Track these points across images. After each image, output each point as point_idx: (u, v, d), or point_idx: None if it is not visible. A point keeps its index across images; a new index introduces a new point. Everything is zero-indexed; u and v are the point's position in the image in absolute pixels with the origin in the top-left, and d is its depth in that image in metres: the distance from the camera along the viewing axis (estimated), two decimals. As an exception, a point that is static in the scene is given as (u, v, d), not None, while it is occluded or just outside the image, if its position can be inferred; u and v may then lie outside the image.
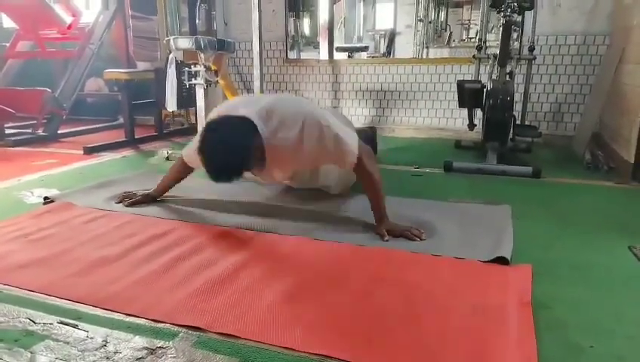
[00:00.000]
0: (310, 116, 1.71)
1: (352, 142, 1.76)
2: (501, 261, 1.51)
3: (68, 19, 4.30)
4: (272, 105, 1.73)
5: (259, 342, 1.10)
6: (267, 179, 2.04)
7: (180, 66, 3.26)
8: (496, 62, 3.01)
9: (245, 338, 1.11)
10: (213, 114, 1.78)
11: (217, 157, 1.57)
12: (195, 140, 1.84)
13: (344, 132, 1.76)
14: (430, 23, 6.27)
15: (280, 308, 1.25)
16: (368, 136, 3.11)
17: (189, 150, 1.94)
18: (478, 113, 3.27)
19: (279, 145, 1.67)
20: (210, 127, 1.62)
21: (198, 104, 3.14)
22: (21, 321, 1.19)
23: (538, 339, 1.10)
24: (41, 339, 1.11)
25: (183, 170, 2.07)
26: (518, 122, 3.26)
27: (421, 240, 1.70)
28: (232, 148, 1.55)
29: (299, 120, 1.69)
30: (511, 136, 3.04)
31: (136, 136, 3.76)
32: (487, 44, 3.40)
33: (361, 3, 6.94)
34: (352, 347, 1.08)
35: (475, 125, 3.34)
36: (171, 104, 3.32)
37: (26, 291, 1.34)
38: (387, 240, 1.69)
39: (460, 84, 3.16)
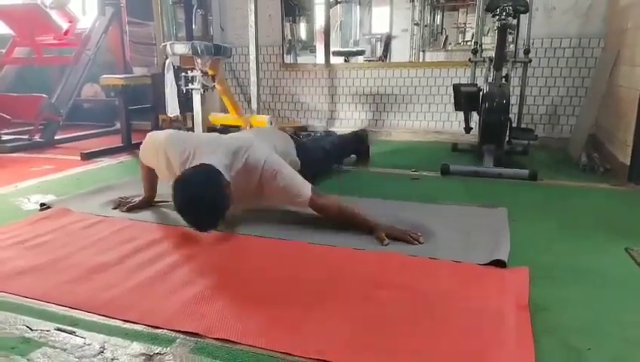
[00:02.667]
0: (268, 162, 1.84)
1: (304, 186, 1.85)
2: (498, 264, 1.51)
3: (64, 25, 4.30)
4: (233, 149, 1.84)
5: (257, 347, 1.09)
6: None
7: (177, 72, 3.26)
8: (491, 66, 3.02)
9: (243, 344, 1.11)
10: (173, 149, 1.89)
11: (196, 216, 1.68)
12: (149, 143, 2.03)
13: (297, 179, 1.87)
14: (426, 26, 6.28)
15: (278, 313, 1.25)
16: (359, 137, 3.13)
17: (145, 153, 2.06)
18: (475, 116, 3.28)
19: (241, 188, 1.80)
20: (181, 187, 1.67)
21: (195, 109, 3.15)
22: (18, 328, 1.18)
23: (535, 342, 1.10)
24: (39, 346, 1.11)
25: (150, 170, 2.11)
26: (514, 125, 3.27)
27: (419, 243, 1.70)
28: (208, 204, 1.66)
29: (259, 166, 1.82)
30: (507, 138, 3.05)
31: (133, 142, 3.75)
32: (483, 47, 3.41)
33: (357, 7, 6.95)
34: (351, 351, 1.08)
35: (472, 128, 3.35)
36: (172, 109, 3.32)
37: (23, 298, 1.34)
38: (387, 244, 1.70)
39: (456, 88, 3.17)
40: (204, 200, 1.64)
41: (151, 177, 2.14)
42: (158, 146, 1.95)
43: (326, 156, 2.72)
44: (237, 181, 1.78)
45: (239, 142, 1.91)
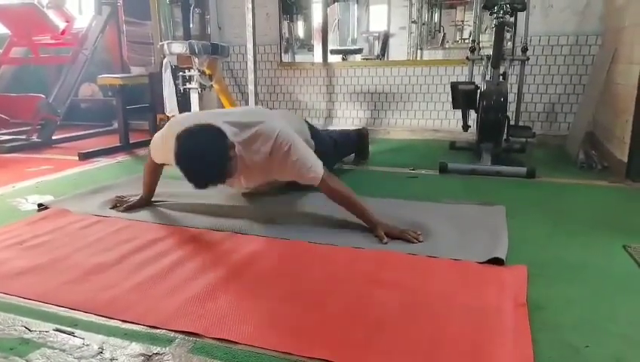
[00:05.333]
0: (282, 133, 1.79)
1: (317, 163, 1.83)
2: (496, 262, 1.52)
3: (61, 24, 4.29)
4: (245, 118, 1.80)
5: (256, 346, 1.09)
6: (233, 185, 2.05)
7: (174, 71, 3.26)
8: (489, 64, 3.02)
9: (242, 344, 1.11)
10: (178, 125, 1.79)
11: (195, 168, 1.61)
12: (159, 140, 1.94)
13: (310, 155, 1.85)
14: (424, 24, 6.28)
15: (277, 312, 1.25)
16: (361, 136, 3.12)
17: (155, 149, 2.00)
18: (473, 114, 3.28)
19: (250, 157, 1.75)
20: (184, 138, 1.61)
21: (192, 108, 3.14)
22: (17, 329, 1.18)
23: (534, 340, 1.10)
24: (37, 347, 1.11)
25: (156, 168, 2.09)
26: (512, 123, 3.27)
27: (418, 242, 1.70)
28: (209, 157, 1.60)
29: (272, 136, 1.76)
30: (505, 136, 3.05)
31: (130, 141, 3.75)
32: (481, 45, 3.41)
33: (355, 5, 6.94)
34: (350, 350, 1.08)
35: (470, 126, 3.35)
36: (170, 108, 3.32)
37: (21, 299, 1.33)
38: (386, 243, 1.70)
39: (454, 86, 3.17)
40: (205, 152, 1.59)
41: (154, 177, 2.13)
42: (166, 133, 1.87)
43: (335, 147, 2.68)
44: (244, 150, 1.73)
45: (252, 114, 1.88)
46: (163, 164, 2.06)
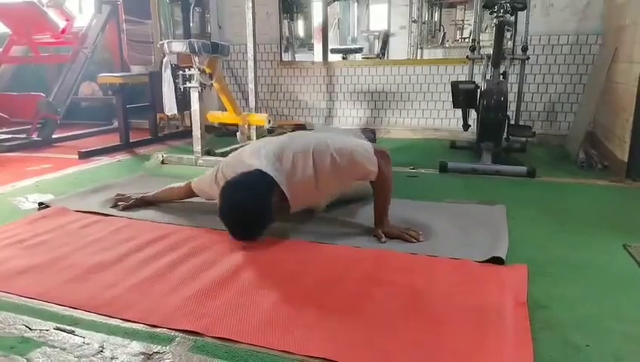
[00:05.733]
0: (317, 147, 1.71)
1: (367, 154, 1.73)
2: (497, 261, 1.52)
3: (61, 23, 4.29)
4: (280, 148, 1.74)
5: (256, 345, 1.10)
6: (298, 209, 1.94)
7: (174, 70, 3.26)
8: (489, 63, 3.03)
9: (242, 342, 1.11)
10: (226, 170, 1.82)
11: (239, 224, 1.64)
12: (208, 175, 1.93)
13: (355, 147, 1.74)
14: (424, 23, 6.28)
15: (277, 311, 1.25)
16: (370, 138, 3.11)
17: (201, 184, 1.98)
18: (473, 113, 3.28)
19: (299, 183, 1.69)
20: (227, 191, 1.62)
21: (193, 107, 3.14)
22: (17, 328, 1.18)
23: (534, 339, 1.10)
24: (38, 346, 1.11)
25: (187, 195, 2.08)
26: (512, 122, 3.28)
27: (419, 241, 1.70)
28: (251, 213, 1.61)
29: (308, 156, 1.69)
30: (505, 136, 3.05)
31: (131, 140, 3.75)
32: (481, 44, 3.41)
33: (355, 4, 6.94)
34: (350, 349, 1.08)
35: (470, 125, 3.35)
36: (170, 107, 3.31)
37: (22, 297, 1.33)
38: (384, 242, 1.70)
39: (454, 85, 3.17)
40: (246, 211, 1.59)
41: (176, 198, 2.13)
42: (218, 174, 1.87)
43: None
44: (290, 180, 1.68)
45: (285, 141, 1.81)
46: (194, 195, 2.05)
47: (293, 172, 1.69)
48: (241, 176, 1.66)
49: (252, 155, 1.77)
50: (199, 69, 3.04)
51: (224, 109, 3.80)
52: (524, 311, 1.22)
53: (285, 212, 1.74)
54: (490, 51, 2.96)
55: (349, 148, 1.72)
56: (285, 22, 5.06)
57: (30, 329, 1.18)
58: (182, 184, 2.10)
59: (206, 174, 1.98)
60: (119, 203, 2.13)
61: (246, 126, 3.65)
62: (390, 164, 1.82)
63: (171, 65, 3.24)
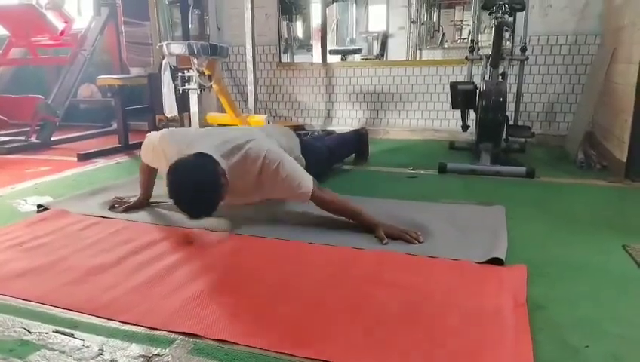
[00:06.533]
0: (270, 153, 1.81)
1: (306, 178, 1.83)
2: (496, 262, 1.52)
3: (60, 25, 4.29)
4: (232, 140, 1.82)
5: (256, 348, 1.09)
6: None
7: (173, 72, 3.26)
8: (488, 63, 3.03)
9: (242, 345, 1.11)
10: (168, 141, 1.90)
11: (190, 201, 1.67)
12: (150, 146, 2.00)
13: (299, 171, 1.85)
14: (423, 24, 6.28)
15: (277, 313, 1.25)
16: (361, 136, 3.13)
17: (145, 156, 2.06)
18: (472, 114, 3.28)
19: (240, 178, 1.78)
20: (174, 172, 1.66)
21: (192, 109, 3.14)
22: (16, 331, 1.18)
23: (533, 340, 1.10)
24: (37, 349, 1.10)
25: (150, 170, 2.12)
26: (511, 123, 3.28)
27: (418, 242, 1.70)
28: (201, 193, 1.65)
29: (260, 156, 1.78)
30: (504, 136, 3.05)
31: (130, 142, 3.75)
32: (480, 45, 3.42)
33: (354, 5, 6.95)
34: (350, 351, 1.08)
35: (469, 126, 3.35)
36: (170, 109, 3.32)
37: (21, 300, 1.33)
38: (386, 243, 1.70)
39: (453, 86, 3.18)
40: (197, 186, 1.63)
41: (149, 178, 2.15)
42: (156, 145, 1.96)
43: (330, 155, 2.71)
44: (234, 173, 1.75)
45: (239, 134, 1.90)
46: (154, 168, 2.09)
47: (240, 165, 1.77)
48: (188, 156, 1.70)
49: (200, 141, 1.83)
50: (198, 71, 3.05)
51: (223, 111, 3.80)
52: (523, 312, 1.22)
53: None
54: (489, 52, 2.96)
55: (292, 168, 1.83)
56: (284, 23, 5.06)
57: (29, 332, 1.18)
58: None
59: (145, 144, 2.04)
60: (117, 205, 2.13)
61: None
62: (329, 193, 1.89)
63: (170, 67, 3.25)
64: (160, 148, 1.94)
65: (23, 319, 1.24)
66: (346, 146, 3.00)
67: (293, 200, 1.93)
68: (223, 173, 1.70)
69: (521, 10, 3.07)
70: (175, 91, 3.29)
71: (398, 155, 3.39)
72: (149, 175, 2.14)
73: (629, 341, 1.12)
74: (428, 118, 4.17)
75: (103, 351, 1.10)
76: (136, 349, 1.10)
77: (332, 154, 2.72)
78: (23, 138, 3.93)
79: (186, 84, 3.10)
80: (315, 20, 4.85)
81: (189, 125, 3.47)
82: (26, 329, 1.19)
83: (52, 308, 1.29)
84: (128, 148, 3.71)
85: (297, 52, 5.84)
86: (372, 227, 1.79)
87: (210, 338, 1.13)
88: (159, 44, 3.40)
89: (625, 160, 2.56)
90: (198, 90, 3.09)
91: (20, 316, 1.25)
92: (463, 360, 1.05)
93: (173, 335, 1.15)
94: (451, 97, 3.23)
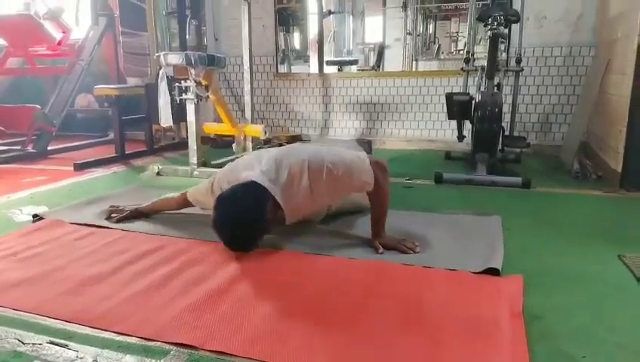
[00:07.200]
0: (312, 159, 1.71)
1: (363, 165, 1.73)
2: (492, 272, 1.52)
3: (58, 35, 4.31)
4: (277, 160, 1.74)
5: (251, 359, 1.09)
6: (294, 220, 1.93)
7: (170, 82, 3.27)
8: (484, 74, 3.05)
9: (237, 356, 1.10)
10: (221, 180, 1.84)
11: (233, 235, 1.64)
12: (203, 184, 1.94)
13: (351, 158, 1.74)
14: (419, 35, 6.34)
15: (273, 323, 1.24)
16: (365, 149, 3.11)
17: (197, 193, 1.98)
18: (468, 125, 3.30)
19: (295, 195, 1.70)
20: (221, 203, 1.63)
21: (188, 119, 3.15)
22: (9, 342, 1.17)
23: (530, 350, 1.10)
24: (31, 360, 1.09)
25: (182, 205, 2.08)
26: (506, 133, 3.30)
27: (415, 252, 1.70)
28: (245, 223, 1.61)
29: (304, 168, 1.69)
30: (500, 146, 3.07)
31: (126, 152, 3.75)
32: (475, 56, 3.45)
33: (351, 17, 7.01)
34: (346, 361, 1.08)
35: (465, 137, 3.37)
36: (166, 119, 3.32)
37: (14, 311, 1.32)
38: (382, 253, 1.69)
39: (449, 97, 3.20)
40: (239, 222, 1.60)
41: (171, 208, 2.13)
42: (212, 182, 1.89)
43: None
44: (286, 193, 1.68)
45: (281, 153, 1.80)
46: (190, 204, 2.04)
47: (290, 184, 1.69)
48: (235, 187, 1.67)
49: (247, 167, 1.78)
50: (195, 81, 3.05)
51: (220, 121, 3.81)
52: (520, 322, 1.22)
53: (281, 223, 1.74)
54: (485, 63, 2.99)
55: (345, 160, 1.72)
56: (281, 34, 5.11)
57: (23, 343, 1.17)
58: (177, 195, 2.10)
59: (202, 184, 1.98)
60: (113, 214, 2.12)
61: (242, 137, 3.66)
62: (387, 175, 1.81)
63: (167, 77, 3.25)
64: (217, 185, 1.85)
65: (17, 330, 1.22)
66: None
67: (360, 192, 1.81)
68: (271, 206, 1.64)
69: (516, 22, 3.10)
70: (172, 101, 3.29)
71: (395, 165, 3.39)
72: (175, 208, 2.11)
73: (626, 350, 1.12)
74: (424, 128, 4.18)
75: (97, 362, 1.09)
76: (130, 360, 1.09)
77: None
78: (19, 147, 3.93)
79: (183, 94, 3.11)
80: (312, 32, 4.88)
81: (186, 135, 3.47)
82: (19, 340, 1.17)
83: (46, 318, 1.28)
84: (125, 157, 3.71)
85: (294, 63, 5.88)
86: (376, 233, 1.78)
87: (205, 350, 1.12)
88: (156, 54, 3.41)
89: (620, 170, 2.58)
90: (195, 100, 3.09)
91: (14, 327, 1.24)
92: (460, 371, 1.04)
93: (168, 346, 1.14)
94: (447, 108, 3.25)
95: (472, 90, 3.36)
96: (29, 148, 3.91)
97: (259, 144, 3.66)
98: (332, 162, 1.70)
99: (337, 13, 6.80)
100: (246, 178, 1.70)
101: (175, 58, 3.02)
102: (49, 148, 4.00)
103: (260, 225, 1.65)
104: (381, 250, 1.71)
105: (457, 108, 3.12)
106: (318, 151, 1.77)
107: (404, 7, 6.20)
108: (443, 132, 4.12)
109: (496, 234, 1.87)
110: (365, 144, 3.13)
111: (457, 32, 6.45)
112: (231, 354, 1.10)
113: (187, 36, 4.36)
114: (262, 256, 1.70)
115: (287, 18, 5.78)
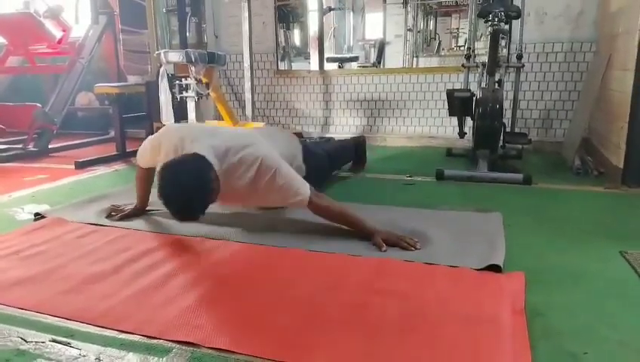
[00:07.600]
0: (266, 160, 1.79)
1: (303, 185, 1.82)
2: (494, 269, 1.52)
3: (58, 33, 4.30)
4: (231, 142, 1.80)
5: (254, 356, 1.09)
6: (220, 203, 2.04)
7: (171, 79, 3.27)
8: (485, 71, 3.04)
9: (240, 353, 1.10)
10: (169, 136, 1.87)
11: (178, 203, 1.65)
12: (148, 145, 1.98)
13: (295, 179, 1.84)
14: (419, 32, 6.33)
15: (275, 321, 1.24)
16: (358, 143, 3.13)
17: (143, 154, 2.03)
18: (469, 121, 3.29)
19: (234, 182, 1.76)
20: (165, 172, 1.65)
21: (189, 117, 3.15)
22: (12, 340, 1.17)
23: (532, 347, 1.10)
24: (33, 358, 1.10)
25: (147, 175, 2.10)
26: (507, 129, 3.29)
27: (416, 249, 1.70)
28: (190, 196, 1.63)
29: (256, 162, 1.77)
30: (501, 143, 3.06)
31: (127, 150, 3.75)
32: (476, 52, 3.44)
33: (351, 14, 6.99)
34: (348, 359, 1.08)
35: (466, 133, 3.36)
36: (167, 117, 3.32)
37: (17, 309, 1.32)
38: (385, 250, 1.69)
39: (450, 93, 3.19)
40: (185, 190, 1.62)
41: (145, 184, 2.13)
42: (155, 139, 1.94)
43: (330, 163, 2.70)
44: (227, 176, 1.74)
45: (238, 137, 1.88)
46: (151, 171, 2.05)
47: (235, 169, 1.76)
48: (182, 156, 1.70)
49: (199, 139, 1.80)
50: (196, 79, 3.05)
51: (221, 118, 3.81)
52: (521, 320, 1.22)
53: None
54: (485, 59, 2.98)
55: (286, 178, 1.80)
56: (281, 31, 5.09)
57: (26, 341, 1.17)
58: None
59: (144, 146, 2.02)
60: (114, 213, 2.12)
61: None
62: (326, 199, 1.87)
63: (168, 74, 3.25)
64: (158, 140, 1.91)
65: (19, 328, 1.23)
66: (344, 153, 3.00)
67: (291, 208, 1.91)
68: (215, 177, 1.69)
69: (517, 18, 3.09)
70: (173, 99, 3.29)
71: (396, 162, 3.39)
72: (145, 181, 2.12)
73: (628, 347, 1.12)
74: (425, 125, 4.18)
75: (100, 360, 1.09)
76: (133, 358, 1.10)
77: (331, 161, 2.71)
78: (20, 146, 3.92)
79: (184, 91, 3.11)
80: (313, 28, 4.87)
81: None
82: (22, 339, 1.18)
83: (48, 316, 1.28)
84: (126, 155, 3.71)
85: (295, 60, 5.87)
86: (369, 234, 1.79)
87: (207, 347, 1.13)
88: (157, 52, 3.41)
89: (621, 166, 2.57)
90: (196, 98, 3.09)
91: (16, 325, 1.24)
92: (462, 368, 1.04)
93: (170, 344, 1.15)
94: (448, 104, 3.25)
95: (473, 87, 3.35)
96: (30, 147, 3.90)
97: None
98: (278, 169, 1.78)
99: (338, 9, 6.78)
100: (192, 150, 1.73)
101: (175, 56, 3.03)
102: (50, 146, 4.00)
103: (206, 191, 1.67)
104: (384, 247, 1.70)
105: (458, 104, 3.12)
106: (272, 153, 1.86)
107: (405, 3, 6.18)
108: (444, 129, 4.11)
109: (498, 231, 1.87)
110: (361, 142, 3.14)
111: (458, 29, 6.43)
112: (233, 352, 1.10)
113: (187, 34, 4.34)
114: (263, 254, 1.70)
115: (287, 15, 5.76)
